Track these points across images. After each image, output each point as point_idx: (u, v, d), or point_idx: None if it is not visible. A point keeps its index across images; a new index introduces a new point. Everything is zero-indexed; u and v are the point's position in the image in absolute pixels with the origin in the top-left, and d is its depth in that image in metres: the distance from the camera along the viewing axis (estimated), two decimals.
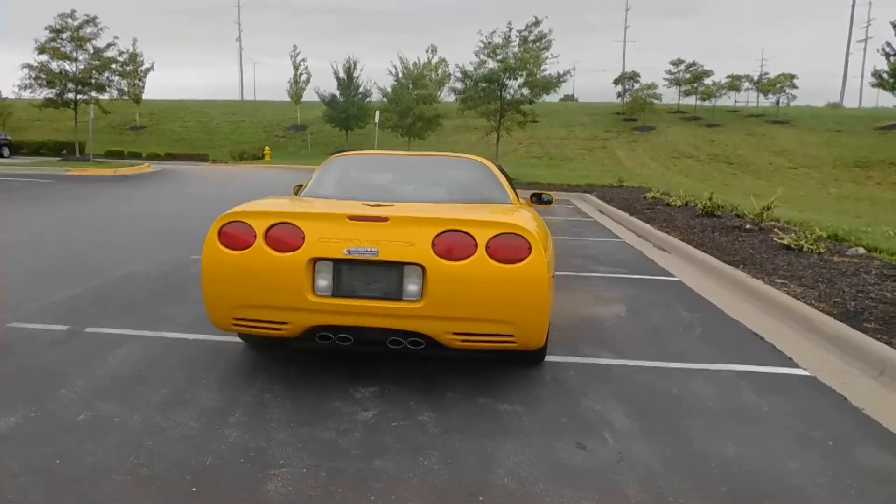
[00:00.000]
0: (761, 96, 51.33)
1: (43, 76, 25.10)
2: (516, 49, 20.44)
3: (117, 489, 2.37)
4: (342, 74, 40.01)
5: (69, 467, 2.50)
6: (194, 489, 2.39)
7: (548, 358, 3.96)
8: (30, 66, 25.07)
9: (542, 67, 23.65)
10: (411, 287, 3.13)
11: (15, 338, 3.98)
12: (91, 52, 25.60)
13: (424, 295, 3.09)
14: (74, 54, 25.32)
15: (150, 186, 17.71)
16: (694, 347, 4.33)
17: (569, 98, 79.77)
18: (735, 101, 53.52)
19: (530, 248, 3.10)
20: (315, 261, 3.14)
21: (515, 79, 20.58)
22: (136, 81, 40.61)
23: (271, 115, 49.45)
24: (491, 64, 20.48)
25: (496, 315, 3.14)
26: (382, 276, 3.14)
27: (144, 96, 41.90)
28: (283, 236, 3.16)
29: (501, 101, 20.85)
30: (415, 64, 33.46)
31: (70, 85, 25.12)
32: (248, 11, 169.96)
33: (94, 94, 26.36)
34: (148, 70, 40.66)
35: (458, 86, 21.95)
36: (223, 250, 3.20)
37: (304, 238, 3.14)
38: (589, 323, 4.83)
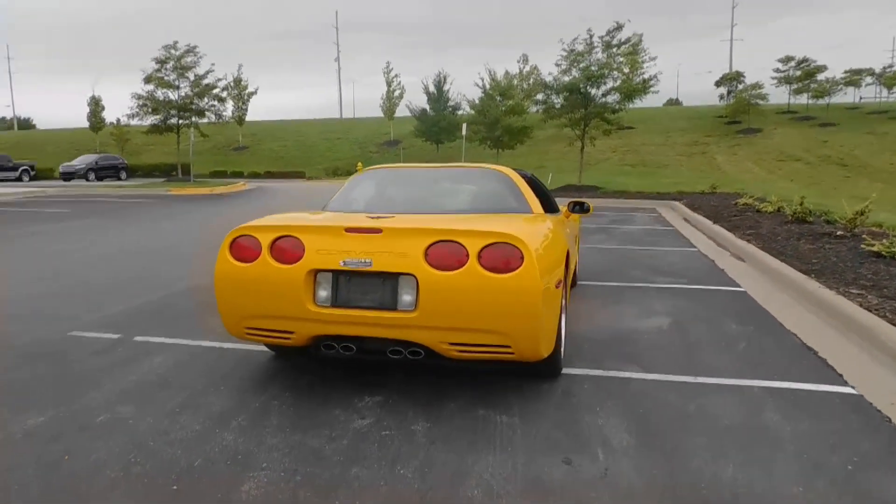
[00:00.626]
0: (885, 91, 47.46)
1: (149, 104, 27.35)
2: (600, 55, 20.03)
3: (108, 484, 2.55)
4: (432, 88, 40.78)
5: (74, 463, 2.72)
6: (175, 487, 2.53)
7: (567, 370, 3.87)
8: (138, 96, 27.41)
9: (640, 71, 23.06)
10: (406, 297, 3.16)
11: (71, 345, 4.36)
12: (192, 79, 27.67)
13: (418, 305, 3.12)
14: (177, 82, 27.46)
15: (241, 203, 18.78)
16: (731, 362, 4.08)
17: (672, 102, 76.97)
18: (860, 98, 49.75)
19: (522, 258, 3.06)
20: (315, 272, 3.25)
21: (598, 87, 20.13)
22: (241, 105, 43.31)
23: (366, 131, 51.10)
24: (574, 73, 20.17)
25: (489, 325, 3.11)
26: (378, 286, 3.20)
27: (248, 118, 44.51)
28: (286, 248, 3.29)
29: (586, 109, 20.46)
30: (504, 75, 33.49)
31: (172, 111, 27.23)
32: (347, 33, 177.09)
33: (194, 118, 28.41)
34: (251, 94, 43.27)
35: (540, 96, 21.76)
36: (233, 262, 3.37)
37: (304, 250, 3.26)
38: (625, 336, 4.66)
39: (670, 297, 5.99)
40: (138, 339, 4.48)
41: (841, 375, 3.83)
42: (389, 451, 2.85)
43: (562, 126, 22.43)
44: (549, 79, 20.86)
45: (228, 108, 29.97)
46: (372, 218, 3.46)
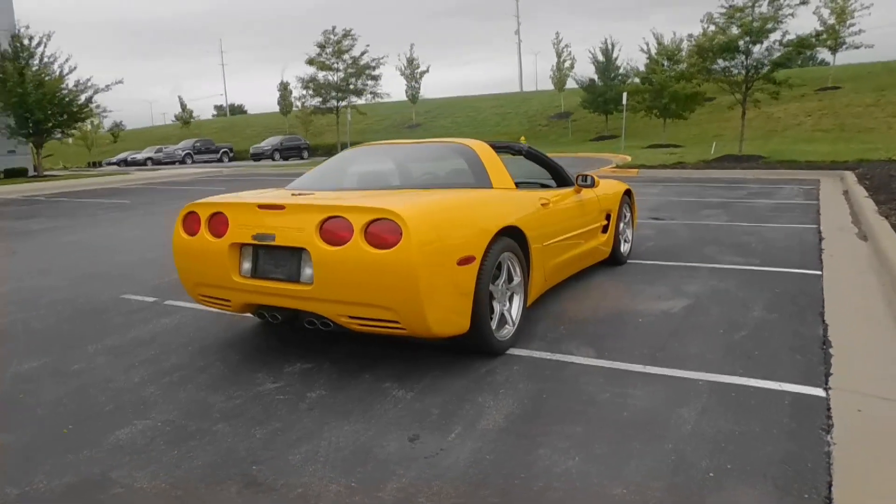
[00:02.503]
0: None
1: (311, 87, 29.64)
2: (764, 9, 17.82)
3: (31, 413, 3.06)
4: (600, 57, 39.27)
5: (28, 399, 3.28)
6: (70, 426, 2.97)
7: (514, 351, 3.77)
8: (302, 79, 29.84)
9: (849, 22, 20.34)
10: (307, 271, 3.32)
11: (112, 305, 5.11)
12: (349, 61, 29.47)
13: (314, 279, 3.26)
14: (336, 65, 29.41)
15: None
16: (711, 353, 3.68)
17: None
18: None
19: (401, 234, 3.06)
20: (238, 245, 3.52)
21: (760, 42, 17.96)
22: (413, 83, 45.18)
23: (537, 105, 50.66)
24: (734, 30, 18.19)
25: (376, 300, 3.16)
26: (286, 259, 3.39)
27: (431, 95, 46.23)
28: (217, 224, 3.61)
29: (747, 70, 18.41)
30: (672, 39, 31.24)
31: (332, 92, 29.24)
32: (530, 4, 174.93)
33: (352, 98, 30.31)
34: (423, 72, 44.92)
35: (693, 59, 19.95)
36: (182, 235, 3.76)
37: (228, 225, 3.54)
38: (619, 318, 4.37)
39: (717, 278, 5.42)
40: (168, 302, 5.12)
41: (831, 375, 3.30)
42: (266, 413, 3.05)
43: (718, 91, 20.44)
44: (702, 38, 19.04)
45: (384, 87, 31.54)
46: (294, 195, 3.64)
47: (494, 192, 3.97)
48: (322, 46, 28.84)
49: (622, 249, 6.07)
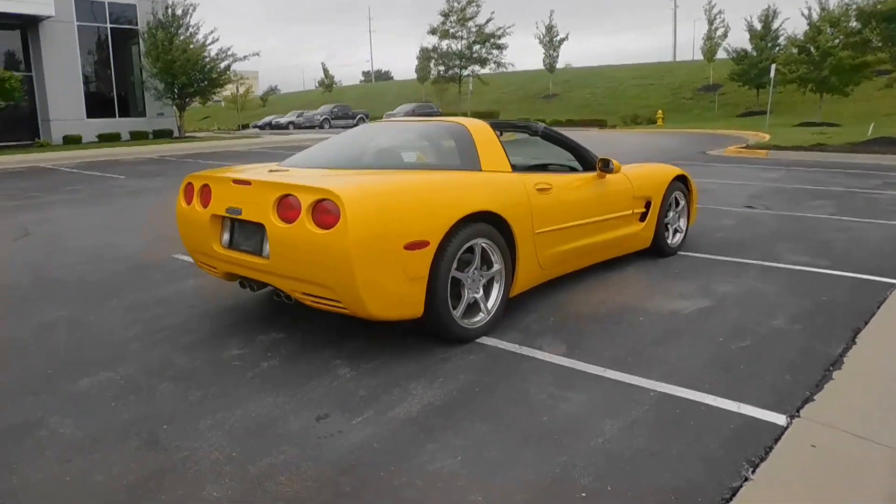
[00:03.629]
0: None
1: (434, 56, 29.73)
2: None
3: (29, 357, 3.47)
4: (757, 25, 36.04)
5: (33, 344, 3.74)
6: (50, 371, 3.34)
7: (484, 340, 3.71)
8: (424, 49, 30.03)
9: None
10: (266, 246, 3.45)
11: (162, 264, 5.59)
12: (473, 29, 29.18)
13: (270, 254, 3.39)
14: (459, 33, 29.25)
15: None
16: (689, 362, 3.38)
17: None
18: None
19: (339, 215, 3.08)
20: (217, 217, 3.73)
21: None
22: (551, 52, 44.07)
23: (683, 76, 47.67)
24: None
25: (319, 279, 3.23)
26: (252, 234, 3.55)
27: (577, 64, 44.93)
28: (205, 195, 3.83)
29: None
30: (838, 3, 27.85)
31: (455, 61, 29.15)
32: None
33: (477, 67, 30.07)
34: (562, 40, 43.63)
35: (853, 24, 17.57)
36: (182, 204, 4.03)
37: (212, 197, 3.75)
38: (618, 315, 4.13)
39: (764, 279, 4.91)
40: None
41: (809, 399, 2.93)
42: (212, 378, 3.25)
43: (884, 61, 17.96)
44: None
45: (508, 56, 30.84)
46: (270, 171, 3.76)
47: (469, 175, 3.84)
48: (446, 14, 28.86)
49: (671, 240, 5.66)
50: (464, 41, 28.93)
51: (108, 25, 24.96)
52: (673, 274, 5.11)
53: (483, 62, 29.72)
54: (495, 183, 3.87)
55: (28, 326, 4.05)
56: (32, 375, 3.31)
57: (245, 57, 25.84)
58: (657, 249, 5.53)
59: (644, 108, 41.81)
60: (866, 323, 3.95)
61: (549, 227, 4.17)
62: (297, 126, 42.32)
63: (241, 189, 3.57)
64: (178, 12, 24.86)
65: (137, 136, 24.23)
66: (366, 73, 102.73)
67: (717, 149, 18.50)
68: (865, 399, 3.01)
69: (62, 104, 23.46)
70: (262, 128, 44.38)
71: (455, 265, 3.51)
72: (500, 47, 29.41)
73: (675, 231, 5.77)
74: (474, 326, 3.69)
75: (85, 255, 5.98)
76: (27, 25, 22.97)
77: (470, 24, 28.62)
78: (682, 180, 5.74)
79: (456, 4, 28.89)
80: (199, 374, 3.30)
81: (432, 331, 3.58)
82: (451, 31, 28.87)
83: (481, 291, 3.75)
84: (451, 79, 29.80)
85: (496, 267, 3.80)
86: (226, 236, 3.75)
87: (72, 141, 22.54)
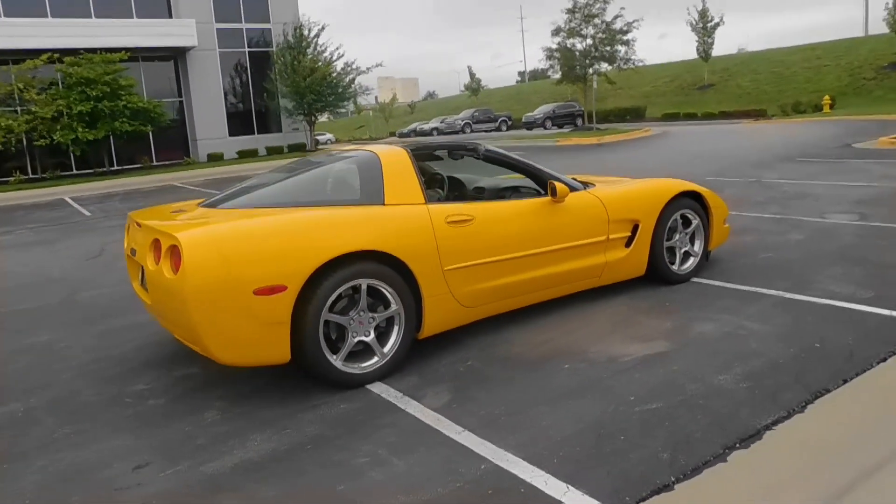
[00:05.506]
0: None
1: (557, 55, 28.58)
2: None
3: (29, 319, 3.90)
4: None
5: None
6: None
7: (374, 386, 3.53)
8: (547, 48, 29.00)
9: None
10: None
11: None
12: (601, 26, 27.61)
13: (150, 295, 3.49)
14: (585, 31, 27.82)
15: (609, 154, 18.57)
16: (548, 429, 2.96)
17: None
18: None
19: (180, 259, 3.07)
20: (130, 257, 3.91)
21: None
22: (705, 38, 40.94)
23: (866, 53, 41.91)
24: None
25: (176, 321, 3.27)
26: (144, 274, 3.67)
27: (755, 48, 41.59)
28: (129, 234, 4.03)
29: None
30: None
31: (583, 60, 27.76)
32: None
33: (603, 65, 28.54)
34: (716, 25, 40.36)
35: None
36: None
37: (126, 237, 3.94)
38: (540, 361, 3.73)
39: (769, 316, 4.17)
40: None
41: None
42: (95, 414, 3.41)
43: None
44: None
45: (630, 54, 28.75)
46: (173, 212, 3.85)
47: (360, 211, 3.61)
48: (571, 12, 27.72)
49: (679, 266, 4.99)
50: (588, 40, 27.67)
51: (246, 49, 27.54)
52: (659, 307, 4.51)
53: (610, 60, 28.17)
54: (390, 218, 3.65)
55: None
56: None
57: (368, 69, 27.19)
58: (660, 276, 4.91)
59: (813, 93, 37.38)
60: (842, 384, 3.20)
61: (467, 262, 3.85)
62: (441, 132, 43.33)
63: (137, 230, 3.71)
64: (306, 33, 26.57)
65: (273, 151, 26.36)
66: (521, 74, 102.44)
67: (869, 140, 16.05)
68: (742, 495, 2.43)
69: (207, 125, 26.30)
70: (406, 135, 45.98)
71: (329, 307, 3.36)
72: (626, 43, 27.69)
73: (686, 255, 5.08)
74: (364, 371, 3.52)
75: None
76: (177, 56, 26.06)
77: (596, 20, 27.29)
78: (692, 197, 5.04)
79: (580, 1, 27.69)
80: (89, 410, 3.48)
81: (312, 375, 3.47)
82: (577, 28, 27.72)
83: (373, 334, 3.56)
84: (578, 78, 28.60)
85: (393, 307, 3.59)
86: (140, 276, 3.91)
87: (214, 158, 25.06)
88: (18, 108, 21.34)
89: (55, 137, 21.09)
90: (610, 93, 46.11)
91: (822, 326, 3.96)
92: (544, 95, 54.56)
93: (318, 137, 51.50)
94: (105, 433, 3.19)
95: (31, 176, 23.16)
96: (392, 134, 48.62)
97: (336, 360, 3.43)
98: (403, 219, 3.68)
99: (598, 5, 26.96)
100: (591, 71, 28.13)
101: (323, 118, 30.75)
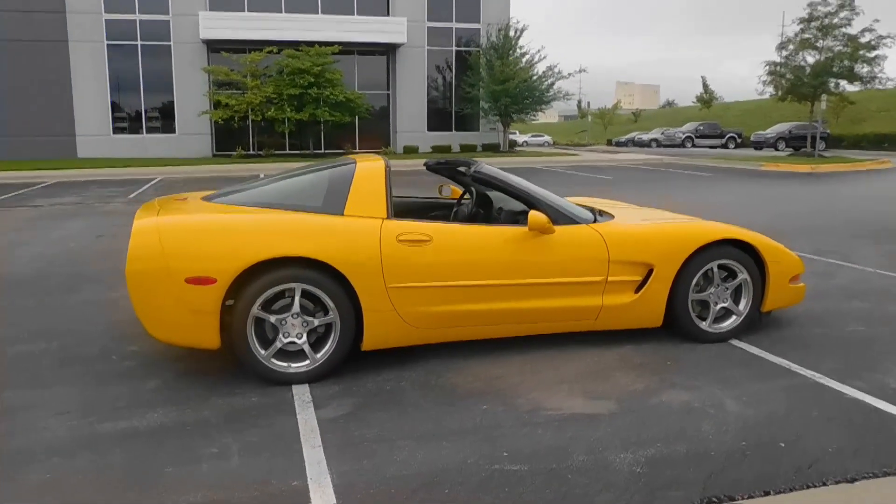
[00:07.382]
0: None
1: (781, 69, 24.84)
2: None
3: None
4: None
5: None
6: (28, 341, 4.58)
7: (299, 389, 3.70)
8: (771, 62, 25.30)
9: None
10: None
11: None
12: (842, 39, 23.40)
13: None
14: (820, 43, 23.76)
15: (810, 186, 16.10)
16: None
17: None
18: None
19: None
20: None
21: None
22: None
23: None
24: None
25: None
26: None
27: None
28: None
29: None
30: None
31: (809, 76, 23.82)
32: None
33: (842, 82, 24.30)
34: None
35: None
36: None
37: None
38: (447, 398, 3.58)
39: (765, 398, 3.52)
40: None
41: None
42: (70, 388, 4.03)
43: None
44: None
45: (878, 71, 23.85)
46: (202, 199, 4.26)
47: (310, 218, 3.70)
48: (807, 21, 23.96)
49: (712, 324, 4.37)
50: (826, 53, 23.73)
51: (454, 48, 28.84)
52: (651, 364, 4.01)
53: (851, 78, 23.93)
54: (340, 229, 3.72)
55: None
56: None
57: (570, 74, 26.70)
58: (683, 332, 4.35)
59: None
60: (759, 496, 2.63)
61: (415, 282, 3.79)
62: (660, 143, 41.24)
63: None
64: (512, 34, 26.80)
65: (466, 149, 27.23)
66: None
67: None
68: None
69: (408, 117, 28.17)
70: (624, 144, 44.52)
71: (261, 305, 3.58)
72: (869, 61, 23.22)
73: (726, 313, 4.41)
74: (292, 371, 3.69)
75: None
76: (389, 51, 28.13)
77: (837, 32, 23.36)
78: (738, 245, 4.36)
79: (822, 9, 23.77)
80: (80, 360, 4.11)
81: (244, 366, 3.71)
82: (811, 40, 23.96)
83: (305, 338, 3.70)
84: (804, 97, 24.80)
85: (330, 315, 3.70)
86: None
87: (410, 150, 26.65)
88: (245, 91, 24.61)
89: (268, 114, 23.99)
90: (871, 115, 39.95)
91: (817, 423, 3.23)
92: (786, 113, 48.93)
93: (536, 139, 51.95)
94: (63, 380, 3.76)
95: (250, 152, 26.68)
96: (609, 142, 47.36)
97: (264, 355, 3.64)
98: (351, 231, 3.74)
99: (842, 14, 23.16)
100: (831, 86, 24.21)
101: (526, 119, 30.95)
